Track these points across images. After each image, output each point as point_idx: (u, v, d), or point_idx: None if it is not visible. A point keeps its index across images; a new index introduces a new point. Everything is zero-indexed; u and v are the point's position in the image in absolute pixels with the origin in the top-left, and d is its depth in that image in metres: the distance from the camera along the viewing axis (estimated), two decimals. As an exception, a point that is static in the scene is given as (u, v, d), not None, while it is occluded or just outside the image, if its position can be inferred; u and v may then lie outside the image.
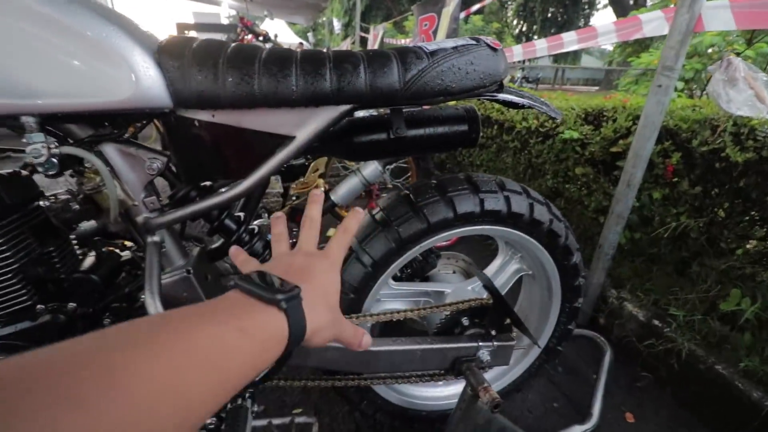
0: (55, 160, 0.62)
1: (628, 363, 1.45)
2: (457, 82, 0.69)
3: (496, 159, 2.51)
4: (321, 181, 1.99)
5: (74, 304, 0.72)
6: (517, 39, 18.62)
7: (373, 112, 1.06)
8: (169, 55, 0.60)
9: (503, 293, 1.03)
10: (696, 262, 1.49)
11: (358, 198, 2.06)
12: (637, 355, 1.43)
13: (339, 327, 0.46)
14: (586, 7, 19.67)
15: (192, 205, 0.72)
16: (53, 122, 0.64)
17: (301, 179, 1.98)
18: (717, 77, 1.25)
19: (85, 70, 0.57)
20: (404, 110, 0.83)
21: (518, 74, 11.41)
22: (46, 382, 0.21)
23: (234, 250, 0.58)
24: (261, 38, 2.85)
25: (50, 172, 0.63)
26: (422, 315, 0.94)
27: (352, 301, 0.85)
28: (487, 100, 0.78)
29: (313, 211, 0.56)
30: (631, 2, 11.25)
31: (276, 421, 0.86)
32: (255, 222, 1.15)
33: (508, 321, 0.89)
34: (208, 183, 0.80)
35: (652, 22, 1.55)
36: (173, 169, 0.76)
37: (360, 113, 0.85)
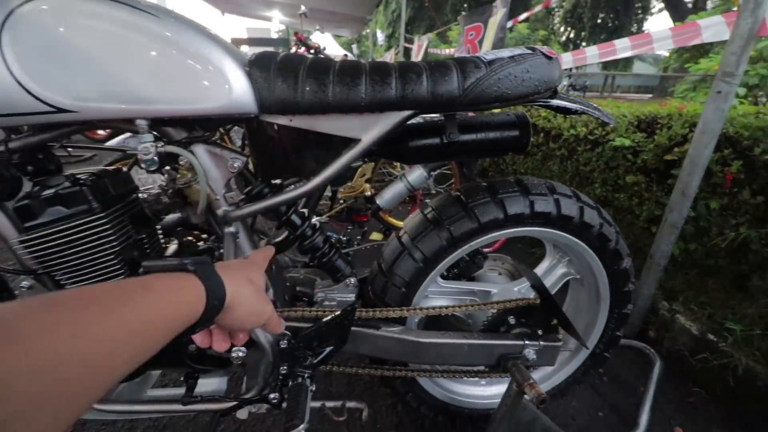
0: (156, 158, 0.72)
1: (679, 377, 1.40)
2: (512, 89, 0.73)
3: (542, 167, 2.48)
4: (367, 185, 2.07)
5: (164, 284, 0.82)
6: (564, 46, 18.09)
7: (427, 117, 1.12)
8: (257, 67, 0.69)
9: (549, 297, 1.04)
10: (756, 275, 1.41)
11: (402, 203, 2.12)
12: (688, 370, 1.38)
13: (264, 306, 0.52)
14: (639, 12, 18.76)
15: (265, 200, 0.81)
16: (157, 126, 0.74)
17: (349, 183, 2.07)
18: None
19: (190, 81, 0.67)
20: (457, 116, 0.89)
21: (564, 82, 11.08)
22: None
23: None
24: (313, 51, 3.00)
25: (151, 168, 0.73)
26: (469, 312, 0.97)
27: (403, 295, 0.90)
28: (540, 106, 0.82)
29: (266, 251, 0.67)
30: (690, 5, 10.64)
31: (329, 404, 0.92)
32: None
33: (555, 321, 0.90)
34: (278, 181, 0.88)
35: (711, 27, 1.51)
36: (250, 167, 0.85)
37: (415, 119, 0.91)
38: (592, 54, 2.30)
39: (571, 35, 19.59)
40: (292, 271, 1.05)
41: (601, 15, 18.51)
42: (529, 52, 0.77)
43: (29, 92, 0.61)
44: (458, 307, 0.88)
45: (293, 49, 3.13)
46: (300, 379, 0.81)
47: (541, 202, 0.87)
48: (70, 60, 0.62)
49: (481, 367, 0.97)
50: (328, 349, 0.80)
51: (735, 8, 1.39)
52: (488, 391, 1.14)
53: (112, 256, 0.79)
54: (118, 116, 0.66)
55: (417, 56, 6.02)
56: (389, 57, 9.08)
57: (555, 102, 0.80)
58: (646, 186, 1.80)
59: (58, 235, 0.72)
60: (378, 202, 1.97)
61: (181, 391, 0.85)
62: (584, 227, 0.91)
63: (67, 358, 0.26)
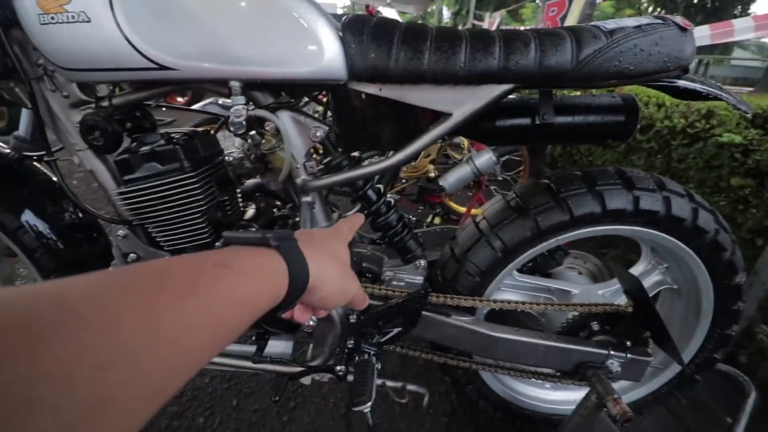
0: (245, 121, 0.72)
1: (774, 413, 1.23)
2: (636, 65, 0.63)
3: (624, 160, 2.25)
4: (431, 166, 2.01)
5: (243, 247, 0.84)
6: (652, 29, 16.22)
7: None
8: (351, 31, 0.66)
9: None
10: None
11: (466, 187, 2.04)
12: (789, 406, 1.20)
13: (351, 284, 0.47)
14: (745, -9, 16.30)
15: (345, 172, 0.79)
16: (247, 90, 0.74)
17: (413, 163, 2.02)
18: None
19: (285, 43, 0.65)
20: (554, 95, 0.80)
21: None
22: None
23: None
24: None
25: (239, 131, 0.73)
26: (546, 311, 0.90)
27: (476, 284, 0.85)
28: (662, 87, 0.71)
29: (354, 221, 0.58)
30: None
31: (390, 383, 0.91)
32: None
33: (646, 334, 0.81)
34: (356, 154, 0.86)
35: None
36: (330, 138, 0.83)
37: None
38: (702, 35, 2.01)
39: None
40: (360, 246, 1.04)
41: (699, -7, 16.34)
42: (660, 21, 0.66)
43: (136, 48, 0.62)
44: (537, 305, 0.81)
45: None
46: (366, 356, 0.80)
47: (648, 198, 0.77)
48: (175, 18, 0.62)
49: (551, 371, 0.90)
50: (396, 330, 0.78)
51: None
52: (552, 396, 1.07)
53: (198, 215, 0.81)
54: (215, 76, 0.66)
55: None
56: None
57: (682, 83, 0.69)
58: (755, 191, 1.57)
59: (152, 190, 0.76)
60: (442, 184, 1.92)
61: (250, 348, 0.88)
62: (696, 232, 0.79)
63: (139, 351, 0.23)
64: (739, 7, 16.33)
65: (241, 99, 0.69)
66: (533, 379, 0.92)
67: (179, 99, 4.45)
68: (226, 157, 0.89)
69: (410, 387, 0.91)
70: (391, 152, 0.77)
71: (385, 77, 0.67)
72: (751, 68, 16.27)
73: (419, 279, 0.90)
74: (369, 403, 0.68)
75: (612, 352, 0.80)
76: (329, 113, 0.82)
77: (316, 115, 0.84)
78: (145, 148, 0.75)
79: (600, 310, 0.82)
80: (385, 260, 0.95)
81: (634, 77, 0.64)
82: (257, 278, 0.34)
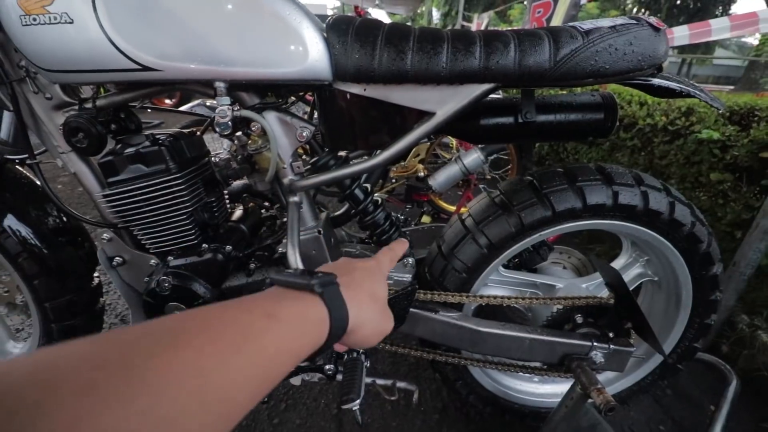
0: (230, 122, 0.72)
1: (755, 399, 1.27)
2: (611, 64, 0.65)
3: (608, 158, 2.29)
4: (420, 166, 2.03)
5: (230, 247, 0.84)
6: (635, 29, 16.51)
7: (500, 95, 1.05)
8: (335, 32, 0.66)
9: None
10: None
11: (455, 186, 2.06)
12: (766, 392, 1.24)
13: (386, 325, 0.47)
14: (726, -7, 16.69)
15: (331, 172, 0.80)
16: (233, 90, 0.74)
17: (402, 163, 2.03)
18: None
19: (270, 44, 0.65)
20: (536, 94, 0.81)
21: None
22: (75, 378, 0.21)
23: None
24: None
25: (225, 132, 0.73)
26: (531, 305, 0.92)
27: (463, 280, 0.86)
28: (637, 85, 0.73)
29: (397, 250, 0.59)
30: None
31: (380, 381, 0.92)
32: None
33: (628, 325, 0.83)
34: (343, 153, 0.87)
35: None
36: (317, 138, 0.83)
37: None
38: (681, 35, 2.06)
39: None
40: (348, 245, 1.05)
41: (682, -5, 16.70)
42: (634, 22, 0.68)
43: (119, 49, 0.62)
44: (523, 299, 0.83)
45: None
46: (355, 354, 0.80)
47: (626, 193, 0.79)
48: (158, 19, 0.62)
49: (538, 364, 0.92)
50: (384, 328, 0.79)
51: None
52: (541, 389, 1.09)
53: (184, 216, 0.81)
54: (200, 77, 0.66)
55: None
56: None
57: (657, 81, 0.71)
58: (733, 185, 1.61)
59: (137, 192, 0.75)
60: (431, 183, 1.93)
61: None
62: (673, 225, 0.82)
63: (188, 408, 0.23)
64: (720, 7, 16.72)
65: (227, 100, 0.69)
66: (521, 373, 0.93)
67: (167, 101, 4.40)
68: (213, 158, 0.89)
69: (400, 384, 0.92)
70: (378, 151, 0.78)
71: (369, 77, 0.68)
72: (732, 67, 16.69)
73: (407, 277, 0.91)
74: (358, 401, 0.68)
75: (595, 344, 0.82)
76: (316, 113, 0.83)
77: (305, 116, 0.85)
78: (129, 150, 0.75)
79: (583, 303, 0.83)
80: (374, 259, 0.96)
81: (609, 76, 0.66)
82: (301, 328, 0.35)
